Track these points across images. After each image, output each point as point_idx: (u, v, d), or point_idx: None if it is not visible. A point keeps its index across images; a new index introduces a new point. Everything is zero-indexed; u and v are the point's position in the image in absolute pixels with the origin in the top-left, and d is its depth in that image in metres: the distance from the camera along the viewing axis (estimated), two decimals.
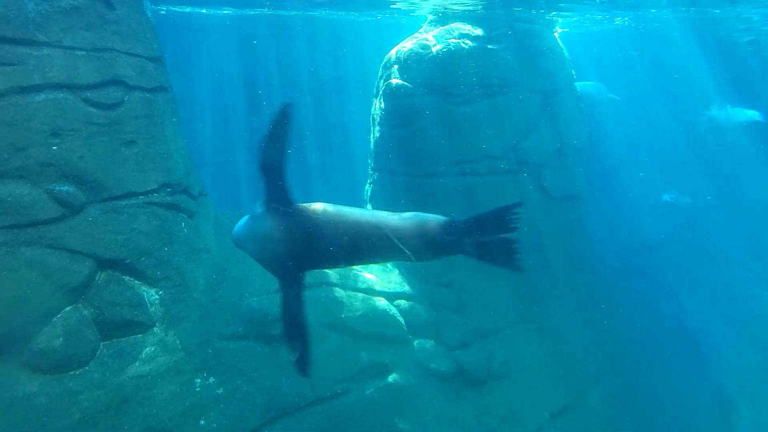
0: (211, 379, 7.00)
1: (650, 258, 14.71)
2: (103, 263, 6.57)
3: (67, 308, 6.29)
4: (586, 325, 11.15)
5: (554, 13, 13.52)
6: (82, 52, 6.51)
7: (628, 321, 12.19)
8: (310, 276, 8.83)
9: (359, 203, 12.08)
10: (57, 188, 6.25)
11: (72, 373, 6.20)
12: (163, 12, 16.17)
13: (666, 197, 15.35)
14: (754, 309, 13.40)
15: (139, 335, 6.68)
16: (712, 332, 13.17)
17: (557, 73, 11.33)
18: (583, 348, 10.91)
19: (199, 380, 6.91)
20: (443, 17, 11.64)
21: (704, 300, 13.50)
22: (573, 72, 11.84)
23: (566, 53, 11.89)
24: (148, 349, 6.67)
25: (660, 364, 12.17)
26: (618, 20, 16.54)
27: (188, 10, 16.62)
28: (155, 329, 6.79)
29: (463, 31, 10.77)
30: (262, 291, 8.09)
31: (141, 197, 6.91)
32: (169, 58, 8.09)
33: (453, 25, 11.08)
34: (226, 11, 16.72)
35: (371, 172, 11.53)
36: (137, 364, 6.55)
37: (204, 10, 16.46)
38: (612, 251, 13.66)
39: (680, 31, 16.75)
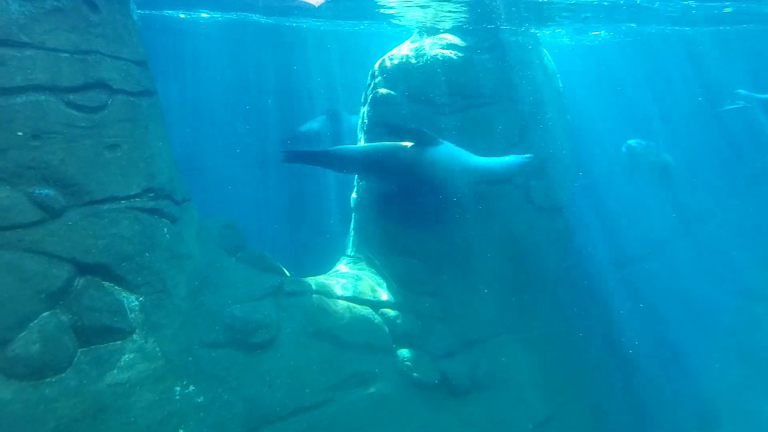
0: (191, 388, 6.89)
1: (634, 270, 14.84)
2: (83, 268, 6.46)
3: (45, 314, 6.16)
4: (570, 336, 11.19)
5: (537, 31, 13.72)
6: (66, 54, 6.44)
7: (611, 332, 12.25)
8: (293, 284, 8.81)
9: (345, 210, 12.06)
10: (37, 191, 6.14)
11: (48, 380, 6.06)
12: (153, 15, 16.11)
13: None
14: (735, 322, 13.56)
15: (118, 342, 6.56)
16: (694, 345, 13.29)
17: (543, 85, 11.44)
18: (567, 359, 10.93)
19: (178, 388, 6.80)
20: (431, 28, 11.71)
21: (686, 312, 13.63)
22: (560, 84, 11.96)
23: (553, 65, 12.01)
24: (127, 356, 6.55)
25: (642, 376, 12.23)
26: (600, 33, 16.83)
27: (176, 14, 16.58)
28: (135, 336, 6.67)
29: (451, 42, 10.84)
30: (246, 298, 8.01)
31: (123, 202, 6.81)
32: (157, 63, 8.04)
33: (440, 35, 11.15)
34: (215, 16, 16.70)
35: (358, 180, 11.52)
36: (115, 371, 6.42)
37: (182, 15, 16.40)
38: (596, 263, 13.75)
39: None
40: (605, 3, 11.58)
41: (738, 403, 12.22)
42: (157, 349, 6.76)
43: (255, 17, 16.25)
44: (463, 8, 11.45)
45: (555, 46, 18.16)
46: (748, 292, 13.83)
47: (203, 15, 16.54)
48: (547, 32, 15.89)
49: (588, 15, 12.96)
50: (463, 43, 10.79)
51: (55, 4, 6.38)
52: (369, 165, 9.51)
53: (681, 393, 12.34)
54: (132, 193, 6.91)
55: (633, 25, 14.95)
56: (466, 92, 10.39)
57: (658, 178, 15.29)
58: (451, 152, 9.19)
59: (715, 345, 13.26)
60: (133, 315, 6.71)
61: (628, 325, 12.86)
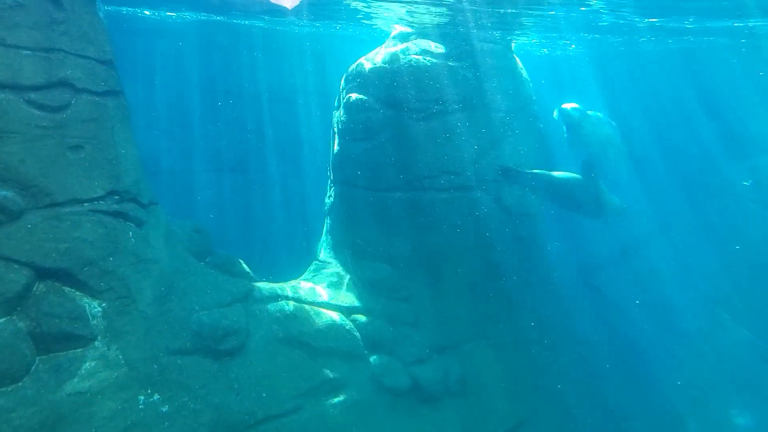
0: (156, 396, 6.70)
1: (603, 276, 15.05)
2: (43, 273, 6.24)
3: (1, 320, 5.93)
4: (541, 341, 11.26)
5: (513, 37, 13.89)
6: (27, 52, 6.24)
7: (581, 337, 12.38)
8: (264, 289, 8.67)
9: (317, 215, 11.96)
10: None
11: (4, 389, 5.83)
12: (123, 13, 15.79)
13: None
14: (701, 327, 13.83)
15: (79, 349, 6.35)
16: (661, 349, 13.51)
17: (517, 93, 11.54)
18: (538, 364, 11.00)
19: (142, 397, 6.61)
20: (405, 34, 11.72)
21: (654, 317, 13.86)
22: (532, 92, 12.08)
23: (525, 74, 12.13)
24: (88, 364, 6.34)
25: (611, 380, 12.38)
26: (573, 47, 17.14)
27: (145, 12, 16.28)
28: (97, 343, 6.47)
29: (426, 48, 10.86)
30: (214, 304, 7.84)
31: (86, 204, 6.62)
32: (125, 63, 7.85)
33: (416, 41, 11.16)
34: (185, 16, 16.45)
35: (331, 185, 11.43)
36: (76, 380, 6.21)
37: (147, 12, 16.09)
38: (566, 268, 13.90)
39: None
40: (558, 14, 11.82)
41: (703, 408, 12.45)
42: (120, 356, 6.56)
43: (227, 18, 16.08)
44: (438, 15, 11.50)
45: (530, 56, 18.41)
46: (713, 297, 14.15)
47: (169, 14, 16.27)
48: (517, 40, 16.10)
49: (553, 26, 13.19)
50: (437, 49, 10.82)
51: (17, 0, 6.17)
52: (556, 190, 11.36)
53: (648, 398, 12.54)
54: (96, 195, 6.71)
55: (596, 35, 15.27)
56: (439, 98, 10.41)
57: (600, 154, 12.74)
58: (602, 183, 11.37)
59: (681, 350, 13.51)
60: (95, 321, 6.51)
61: (597, 329, 13.01)
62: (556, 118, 12.90)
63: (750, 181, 14.48)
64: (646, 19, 11.94)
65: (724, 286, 13.91)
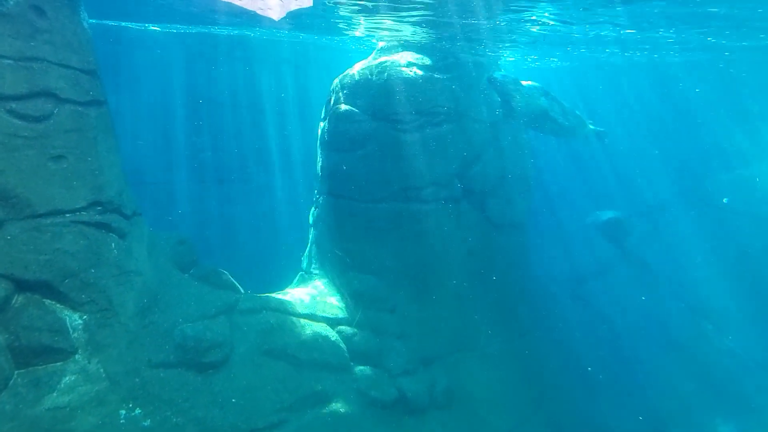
0: (138, 411, 6.58)
1: (589, 286, 15.13)
2: (22, 285, 6.14)
3: None
4: (528, 351, 11.26)
5: (493, 52, 14.04)
6: (9, 61, 6.17)
7: (568, 347, 12.41)
8: (248, 301, 8.59)
9: (303, 226, 11.91)
10: None
11: None
12: (108, 25, 15.72)
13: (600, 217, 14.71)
14: (686, 337, 13.94)
15: (59, 363, 6.23)
16: (647, 359, 13.58)
17: (501, 105, 11.62)
18: (524, 375, 10.99)
19: (123, 411, 6.49)
20: (392, 46, 11.79)
21: (640, 328, 13.94)
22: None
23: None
24: (68, 378, 6.22)
25: (597, 390, 12.41)
26: (554, 60, 17.36)
27: (131, 25, 16.22)
28: (77, 356, 6.35)
29: (412, 61, 10.92)
30: (198, 316, 7.75)
31: (68, 215, 6.52)
32: (110, 73, 7.80)
33: (402, 53, 11.23)
34: (170, 28, 16.40)
35: (317, 196, 11.41)
36: (55, 394, 6.08)
37: (131, 25, 16.05)
38: (553, 279, 13.96)
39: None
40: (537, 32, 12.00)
41: (687, 417, 12.52)
42: (101, 370, 6.45)
43: (212, 29, 16.06)
44: (423, 28, 11.58)
45: (519, 69, 18.58)
46: (697, 308, 14.28)
47: (153, 28, 16.22)
48: (505, 55, 16.28)
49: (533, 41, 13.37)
50: (423, 61, 10.89)
51: None
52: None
53: (634, 405, 12.56)
54: (78, 206, 6.62)
55: (583, 50, 15.49)
56: (426, 110, 10.46)
57: (536, 127, 11.81)
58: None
59: (666, 360, 13.59)
60: (76, 334, 6.39)
61: (583, 340, 13.06)
62: (486, 85, 11.33)
63: (727, 199, 14.68)
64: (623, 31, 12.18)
65: (707, 297, 14.06)
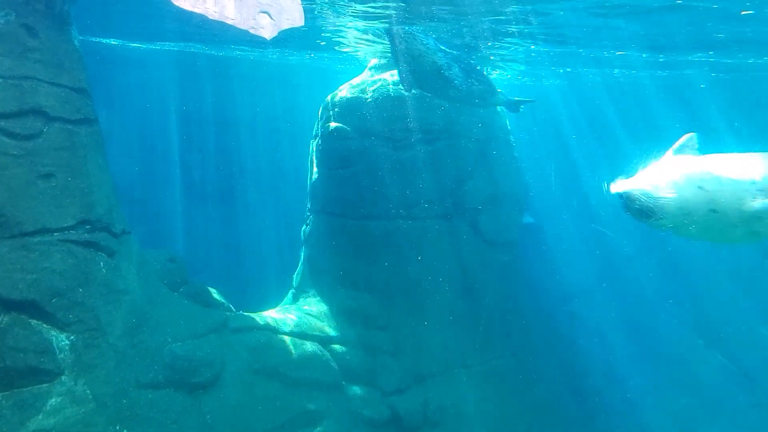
0: None
1: (581, 302, 15.14)
2: (8, 305, 6.04)
3: None
4: (520, 369, 11.22)
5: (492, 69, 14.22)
6: None
7: (560, 364, 12.37)
8: (239, 319, 8.52)
9: (294, 244, 11.86)
10: None
11: None
12: (99, 42, 15.75)
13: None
14: (678, 353, 13.95)
15: (45, 384, 6.11)
16: (639, 375, 13.56)
17: (493, 122, 11.71)
18: (516, 392, 10.93)
19: None
20: (384, 64, 11.88)
21: (632, 344, 13.94)
22: (507, 122, 12.28)
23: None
24: (54, 399, 6.10)
25: (589, 406, 12.36)
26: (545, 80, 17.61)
27: (120, 42, 16.27)
28: (63, 378, 6.24)
29: None
30: (187, 335, 7.65)
31: (56, 234, 6.45)
32: (100, 91, 7.78)
33: (393, 71, 11.31)
34: (163, 46, 16.47)
35: (308, 213, 11.39)
36: (40, 416, 5.96)
37: (114, 42, 16.13)
38: (544, 296, 13.96)
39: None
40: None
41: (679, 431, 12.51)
42: (88, 391, 6.33)
43: (204, 48, 16.14)
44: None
45: (510, 85, 18.79)
46: (689, 323, 14.33)
47: (145, 45, 16.28)
48: (496, 72, 16.46)
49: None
50: None
51: None
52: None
53: (627, 423, 12.51)
54: (66, 224, 6.56)
55: (568, 69, 15.74)
56: (416, 128, 10.52)
57: (428, 89, 9.73)
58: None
59: (659, 375, 13.59)
60: (62, 355, 6.29)
61: (575, 357, 13.03)
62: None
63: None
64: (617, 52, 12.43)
65: (699, 312, 14.11)
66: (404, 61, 9.11)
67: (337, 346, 9.34)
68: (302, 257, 11.35)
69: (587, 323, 14.43)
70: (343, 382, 9.06)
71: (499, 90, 10.73)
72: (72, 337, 6.38)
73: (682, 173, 4.31)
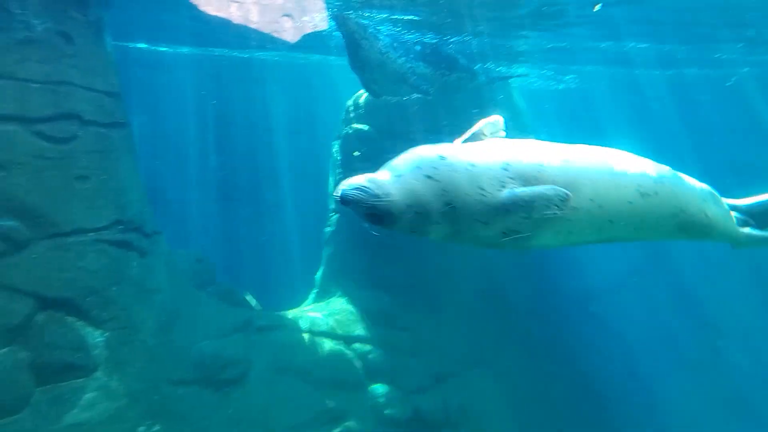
0: (156, 427, 6.66)
1: (602, 303, 15.05)
2: (45, 303, 6.26)
3: (2, 350, 5.92)
4: (541, 368, 11.22)
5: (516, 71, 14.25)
6: (37, 85, 6.36)
7: (581, 365, 12.33)
8: (264, 319, 8.67)
9: (316, 244, 11.99)
10: (0, 223, 5.97)
11: (3, 421, 5.79)
12: (129, 46, 16.07)
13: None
14: (699, 355, 13.81)
15: (80, 380, 6.32)
16: (661, 376, 13.46)
17: (512, 123, 11.70)
18: (537, 391, 10.94)
19: (142, 428, 6.57)
20: None
21: (654, 345, 13.84)
22: (527, 123, 12.28)
23: (522, 104, 12.35)
24: (88, 394, 6.30)
25: (609, 407, 12.30)
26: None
27: (152, 47, 16.57)
28: (98, 374, 6.44)
29: None
30: (216, 334, 7.84)
31: (91, 234, 6.66)
32: (129, 94, 7.98)
33: None
34: (189, 50, 16.74)
35: (331, 214, 11.51)
36: (76, 411, 6.17)
37: (142, 45, 16.44)
38: (566, 296, 13.92)
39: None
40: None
41: None
42: (121, 387, 6.53)
43: (228, 51, 16.36)
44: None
45: (530, 88, 18.74)
46: (711, 326, 14.18)
47: (172, 48, 16.55)
48: (523, 75, 16.45)
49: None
50: None
51: (27, 34, 6.33)
52: None
53: (646, 425, 12.44)
54: (100, 225, 6.77)
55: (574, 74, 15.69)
56: (438, 129, 10.57)
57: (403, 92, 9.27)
58: None
59: (681, 376, 13.47)
60: (96, 351, 6.49)
61: (596, 357, 12.97)
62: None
63: None
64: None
65: (721, 314, 13.95)
66: (367, 71, 8.57)
67: (359, 345, 9.44)
68: (324, 257, 11.47)
69: (610, 324, 14.36)
70: (366, 381, 9.16)
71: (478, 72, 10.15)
72: (106, 334, 6.58)
73: (409, 160, 3.30)
